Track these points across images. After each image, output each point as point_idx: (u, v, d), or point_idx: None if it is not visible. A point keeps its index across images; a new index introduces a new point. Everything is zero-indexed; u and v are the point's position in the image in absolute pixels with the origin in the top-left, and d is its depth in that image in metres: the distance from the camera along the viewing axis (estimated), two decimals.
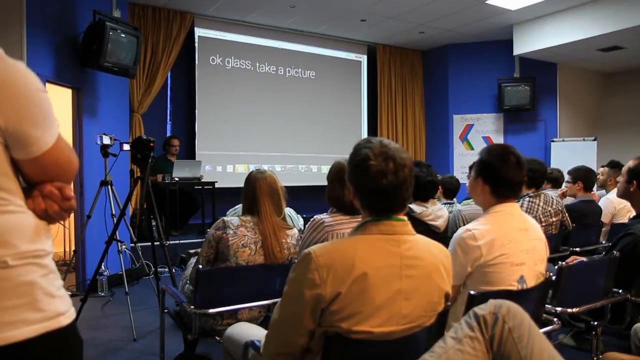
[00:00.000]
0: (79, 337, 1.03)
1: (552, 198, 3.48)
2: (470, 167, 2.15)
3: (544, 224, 3.35)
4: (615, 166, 4.46)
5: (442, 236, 2.96)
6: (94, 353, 3.16)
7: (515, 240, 1.75)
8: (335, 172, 2.35)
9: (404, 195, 1.35)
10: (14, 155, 0.92)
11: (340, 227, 2.31)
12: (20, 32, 3.84)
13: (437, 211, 3.07)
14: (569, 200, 4.21)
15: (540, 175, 3.47)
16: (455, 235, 1.82)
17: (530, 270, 1.77)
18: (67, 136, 4.48)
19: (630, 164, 2.57)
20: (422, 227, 2.90)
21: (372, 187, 1.32)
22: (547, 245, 1.88)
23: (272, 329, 1.37)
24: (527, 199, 3.39)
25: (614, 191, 4.21)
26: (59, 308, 0.95)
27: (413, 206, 3.00)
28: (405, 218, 1.38)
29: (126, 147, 3.92)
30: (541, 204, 3.38)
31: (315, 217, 2.37)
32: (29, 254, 0.92)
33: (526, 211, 3.31)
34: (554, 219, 3.44)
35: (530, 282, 1.76)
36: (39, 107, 0.93)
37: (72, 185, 1.04)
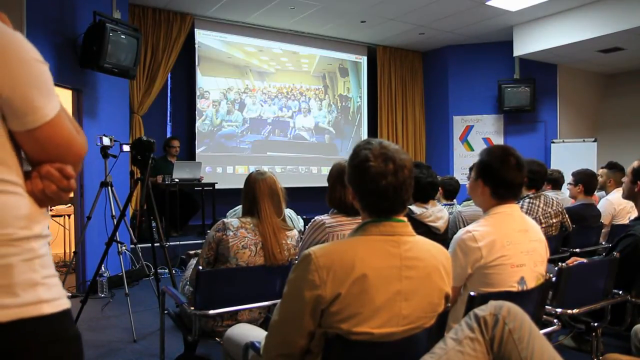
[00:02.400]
0: (71, 329, 0.94)
1: (552, 199, 3.47)
2: (471, 169, 2.16)
3: (544, 225, 3.35)
4: (613, 167, 4.46)
5: (443, 237, 2.96)
6: (94, 354, 3.16)
7: (515, 242, 1.75)
8: (336, 174, 2.35)
9: (404, 197, 1.35)
10: (10, 126, 0.87)
11: (342, 228, 2.31)
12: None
13: (437, 212, 3.07)
14: (568, 202, 4.21)
15: (540, 177, 3.47)
16: (455, 236, 1.82)
17: (531, 271, 1.77)
18: None
19: (635, 164, 2.58)
20: (423, 228, 2.90)
21: (371, 188, 1.32)
22: (547, 247, 1.88)
23: (272, 329, 1.37)
24: (527, 200, 3.39)
25: (614, 192, 4.23)
26: (40, 295, 0.87)
27: (413, 207, 3.00)
28: (405, 219, 1.38)
29: (126, 148, 3.92)
30: (541, 205, 3.38)
31: (316, 218, 2.37)
32: (9, 237, 0.85)
33: (526, 212, 3.31)
34: (554, 220, 3.44)
35: (531, 284, 1.76)
36: (38, 76, 0.89)
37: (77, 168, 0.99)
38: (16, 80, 0.85)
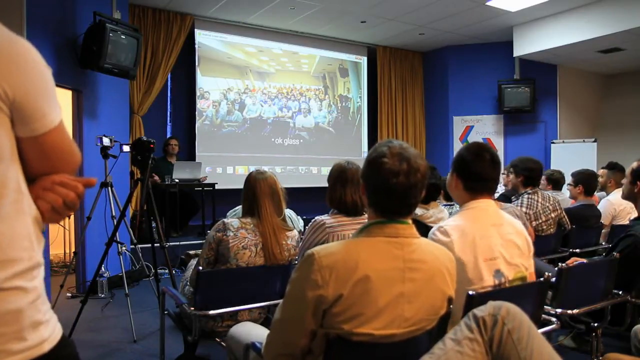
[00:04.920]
0: (67, 355, 0.96)
1: (549, 195, 3.54)
2: None
3: (544, 220, 3.37)
4: (613, 168, 4.47)
5: None
6: (93, 355, 3.16)
7: (488, 235, 1.73)
8: (337, 174, 2.35)
9: (412, 200, 1.35)
10: (17, 132, 0.87)
11: (342, 228, 2.31)
12: (20, 34, 3.78)
13: (437, 214, 3.07)
14: (568, 202, 4.21)
15: (537, 174, 3.49)
16: (429, 233, 1.80)
17: (506, 263, 1.74)
18: None
19: (634, 165, 2.58)
20: (423, 229, 2.89)
21: (381, 185, 1.33)
22: (528, 240, 1.85)
23: (274, 329, 1.38)
24: (526, 196, 3.43)
25: (614, 193, 4.23)
26: (43, 335, 0.89)
27: None
28: (410, 221, 1.38)
29: (126, 148, 3.92)
30: (540, 200, 3.42)
31: (316, 218, 2.37)
32: (22, 272, 0.85)
33: (527, 208, 3.35)
34: (553, 215, 3.47)
35: (510, 276, 1.74)
36: (47, 82, 0.90)
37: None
38: (29, 87, 0.86)
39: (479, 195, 1.84)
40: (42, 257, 0.91)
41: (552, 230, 3.46)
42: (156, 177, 5.77)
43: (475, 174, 1.82)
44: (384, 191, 1.33)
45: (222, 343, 2.18)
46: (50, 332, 0.91)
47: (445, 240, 1.71)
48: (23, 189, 0.88)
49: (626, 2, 6.07)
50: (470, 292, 1.59)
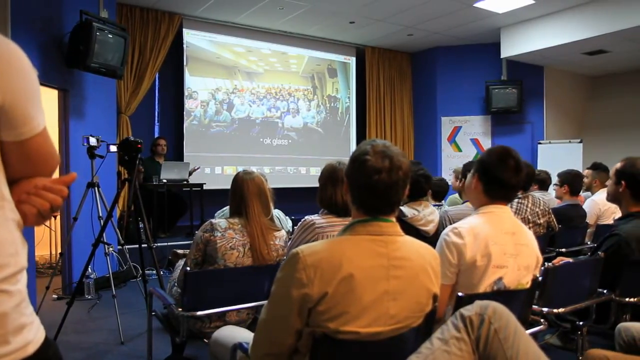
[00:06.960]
0: (50, 356, 0.95)
1: (539, 199, 3.52)
2: (467, 170, 2.15)
3: (532, 226, 3.37)
4: (597, 168, 4.52)
5: (431, 240, 2.96)
6: (80, 357, 3.13)
7: (501, 243, 1.74)
8: (327, 174, 2.35)
9: (393, 198, 1.35)
10: (1, 136, 0.85)
11: (332, 228, 2.30)
12: (5, 32, 3.78)
13: (428, 215, 3.05)
14: (554, 202, 4.26)
15: (530, 178, 3.50)
16: (442, 233, 1.81)
17: (512, 274, 1.75)
18: (54, 138, 4.42)
19: (617, 165, 2.56)
20: (412, 231, 2.89)
21: (363, 182, 1.34)
22: (538, 253, 1.85)
23: (260, 329, 1.37)
24: (516, 200, 3.42)
25: (599, 193, 4.28)
26: (27, 338, 0.88)
27: (405, 209, 2.99)
28: (394, 219, 1.39)
29: (113, 148, 3.89)
30: (529, 205, 3.41)
31: (306, 217, 2.37)
32: (7, 277, 0.84)
33: (515, 213, 3.33)
34: (541, 220, 3.47)
35: (510, 286, 1.74)
36: (34, 86, 0.88)
37: None
38: (18, 91, 0.84)
39: (497, 201, 1.83)
40: (26, 261, 0.90)
41: (541, 232, 3.47)
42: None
43: (498, 180, 1.80)
44: (366, 188, 1.34)
45: (209, 345, 2.17)
46: (34, 334, 0.90)
47: (458, 243, 1.72)
48: (6, 194, 0.86)
49: (611, 5, 6.16)
50: (460, 294, 1.60)
